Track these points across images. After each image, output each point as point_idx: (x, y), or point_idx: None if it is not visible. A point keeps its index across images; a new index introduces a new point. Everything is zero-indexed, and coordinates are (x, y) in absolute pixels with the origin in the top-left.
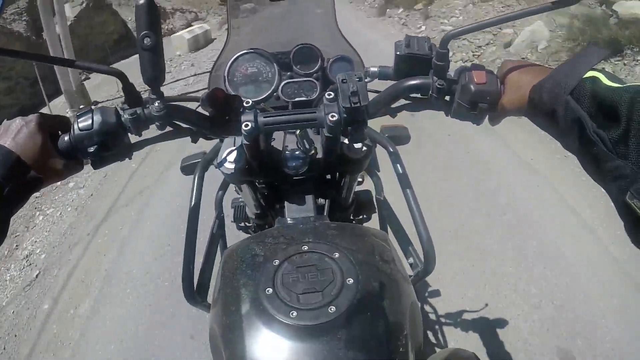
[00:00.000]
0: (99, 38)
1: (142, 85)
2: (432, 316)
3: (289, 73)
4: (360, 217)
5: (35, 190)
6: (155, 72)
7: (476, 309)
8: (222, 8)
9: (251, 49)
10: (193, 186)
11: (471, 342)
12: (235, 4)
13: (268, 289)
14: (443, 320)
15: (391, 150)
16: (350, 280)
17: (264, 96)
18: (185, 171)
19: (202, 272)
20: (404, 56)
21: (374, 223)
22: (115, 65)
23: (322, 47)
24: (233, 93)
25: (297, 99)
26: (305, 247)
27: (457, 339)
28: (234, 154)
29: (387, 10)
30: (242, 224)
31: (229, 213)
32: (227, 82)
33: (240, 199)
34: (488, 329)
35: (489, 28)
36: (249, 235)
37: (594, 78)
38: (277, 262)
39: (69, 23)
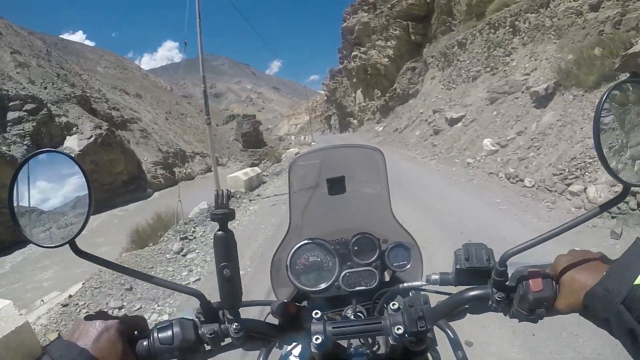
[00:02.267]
0: (105, 177)
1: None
2: None
3: (348, 263)
4: None
5: None
6: (233, 298)
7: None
8: (242, 154)
9: (311, 239)
10: None
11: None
12: (295, 194)
13: None
14: None
15: (451, 335)
16: None
17: (326, 286)
18: (247, 347)
19: None
20: (464, 269)
21: None
22: (119, 209)
23: (378, 232)
24: (300, 305)
25: (357, 289)
26: None
27: None
28: (299, 349)
29: None
30: None
31: None
32: (289, 271)
33: None
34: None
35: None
36: None
37: None
38: None
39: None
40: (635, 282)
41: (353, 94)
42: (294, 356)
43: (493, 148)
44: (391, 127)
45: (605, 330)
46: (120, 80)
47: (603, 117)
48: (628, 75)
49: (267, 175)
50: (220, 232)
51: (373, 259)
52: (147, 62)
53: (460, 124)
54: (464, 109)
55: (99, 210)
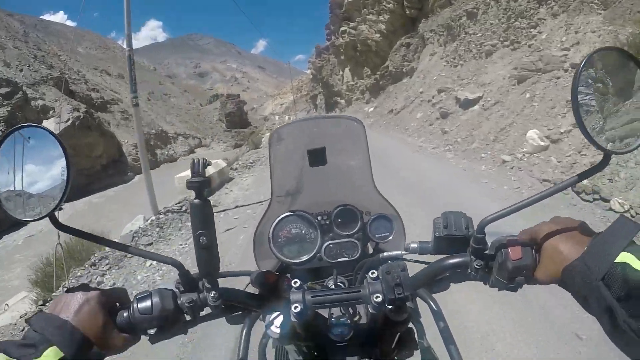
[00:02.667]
0: (83, 161)
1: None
2: None
3: (330, 234)
4: (404, 353)
5: None
6: (210, 267)
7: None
8: (226, 134)
9: (293, 211)
10: (240, 339)
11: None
12: (275, 165)
13: None
14: None
15: (433, 307)
16: None
17: (308, 257)
18: (231, 321)
19: None
20: (443, 237)
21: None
22: (99, 195)
23: (361, 204)
24: (279, 274)
25: (339, 260)
26: None
27: None
28: (280, 319)
29: None
30: None
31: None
32: (271, 243)
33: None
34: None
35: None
36: None
37: (625, 264)
38: None
39: None
40: (617, 260)
41: (341, 72)
42: (275, 326)
43: (542, 143)
44: (384, 108)
45: (583, 307)
46: (101, 61)
47: (583, 87)
48: None
49: (236, 168)
50: (196, 200)
51: (355, 230)
52: None
53: (477, 106)
54: (481, 89)
55: (76, 197)
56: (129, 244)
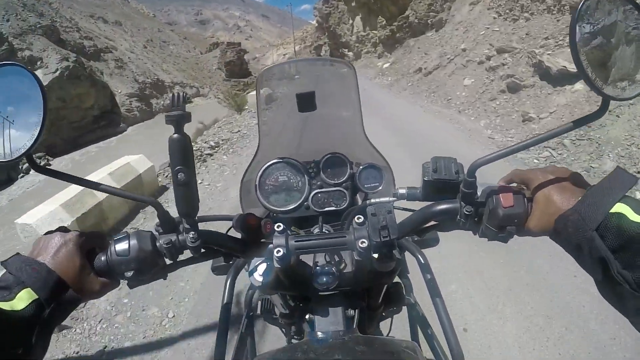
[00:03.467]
0: (73, 113)
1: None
2: None
3: (318, 182)
4: (392, 308)
5: (74, 309)
6: (189, 205)
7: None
8: (225, 84)
9: (281, 158)
10: (225, 289)
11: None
12: (264, 111)
13: None
14: None
15: (421, 260)
16: None
17: (295, 206)
18: (217, 271)
19: None
20: (432, 181)
21: (403, 316)
22: (92, 147)
23: (350, 153)
24: (262, 218)
25: (327, 209)
26: None
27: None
28: (263, 266)
29: None
30: (268, 316)
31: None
32: (258, 191)
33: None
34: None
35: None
36: (277, 326)
37: (620, 214)
38: None
39: None
40: (612, 210)
41: (350, 21)
42: (259, 274)
43: None
44: (405, 65)
45: (574, 258)
46: (98, 8)
47: (582, 27)
48: None
49: (197, 146)
50: (175, 135)
51: (344, 179)
52: None
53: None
54: None
55: (64, 151)
56: (101, 183)
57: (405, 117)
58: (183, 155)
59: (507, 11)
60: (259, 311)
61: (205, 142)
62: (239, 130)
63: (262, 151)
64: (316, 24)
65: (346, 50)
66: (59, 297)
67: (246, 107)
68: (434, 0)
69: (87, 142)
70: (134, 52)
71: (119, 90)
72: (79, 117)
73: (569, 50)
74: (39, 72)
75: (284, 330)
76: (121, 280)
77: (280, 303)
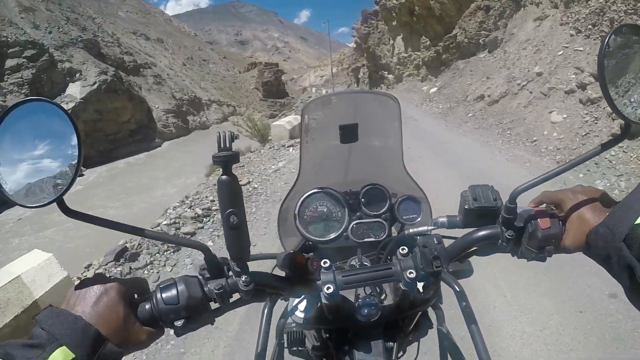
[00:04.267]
0: (109, 126)
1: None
2: None
3: (358, 213)
4: (419, 333)
5: None
6: (241, 249)
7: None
8: (262, 103)
9: (321, 188)
10: (262, 320)
11: None
12: (306, 141)
13: None
14: None
15: (456, 288)
16: None
17: (335, 236)
18: (255, 298)
19: None
20: (472, 209)
21: (431, 339)
22: (126, 161)
23: (389, 185)
24: (308, 256)
25: (366, 240)
26: None
27: None
28: (304, 303)
29: None
30: (296, 349)
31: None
32: (297, 220)
33: (293, 324)
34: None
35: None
36: (304, 359)
37: None
38: None
39: (74, 104)
40: (636, 222)
41: (391, 42)
42: (300, 311)
43: None
44: (456, 90)
45: (605, 269)
46: (141, 25)
47: (608, 59)
48: None
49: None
50: (224, 177)
51: (383, 210)
52: (172, 8)
53: None
54: None
55: (98, 163)
56: (147, 229)
57: (480, 166)
58: (233, 198)
59: (590, 27)
60: (285, 344)
61: (191, 209)
62: (248, 182)
63: (301, 180)
64: (354, 45)
65: (386, 72)
66: (99, 354)
67: (270, 139)
68: (487, 17)
69: (122, 155)
70: (172, 69)
71: (156, 106)
72: (114, 130)
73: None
74: (77, 84)
75: None
76: (166, 329)
77: (313, 336)
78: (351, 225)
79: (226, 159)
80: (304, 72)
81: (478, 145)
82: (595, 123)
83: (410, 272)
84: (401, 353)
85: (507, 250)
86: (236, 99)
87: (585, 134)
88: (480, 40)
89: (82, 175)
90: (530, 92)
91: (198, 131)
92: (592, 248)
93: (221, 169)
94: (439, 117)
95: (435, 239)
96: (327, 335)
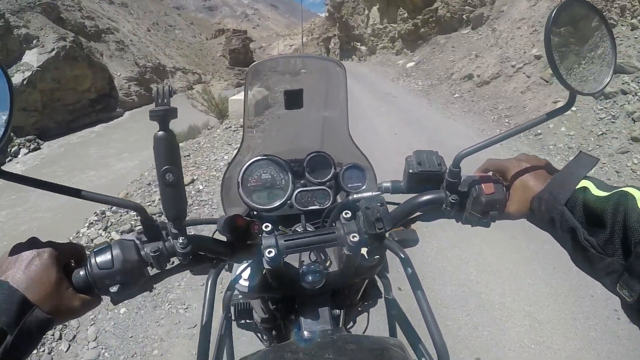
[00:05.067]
0: (68, 96)
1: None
2: None
3: (302, 181)
4: (366, 303)
5: (47, 331)
6: (177, 208)
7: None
8: (229, 72)
9: (265, 155)
10: (205, 292)
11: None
12: (250, 106)
13: None
14: None
15: (402, 256)
16: None
17: (278, 204)
18: (195, 272)
19: None
20: (416, 173)
21: (379, 310)
22: (86, 131)
23: (334, 153)
24: (249, 219)
25: (310, 208)
26: None
27: None
28: (248, 271)
29: None
30: (244, 321)
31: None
32: (240, 188)
33: (240, 296)
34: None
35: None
36: (252, 331)
37: (584, 188)
38: None
39: (30, 73)
40: (577, 187)
41: (366, 12)
42: (244, 280)
43: None
44: (437, 67)
45: (549, 233)
46: None
47: (555, 34)
48: None
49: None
50: (161, 133)
51: (327, 178)
52: None
53: None
54: None
55: (58, 135)
56: (81, 189)
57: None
58: (170, 154)
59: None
60: (233, 317)
61: (106, 230)
62: (192, 181)
63: (244, 148)
64: (326, 14)
65: (359, 44)
66: (24, 320)
67: (228, 115)
68: None
69: (82, 126)
70: (136, 35)
71: (118, 74)
72: (74, 100)
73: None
74: (33, 52)
75: (260, 335)
76: (103, 296)
77: (260, 307)
78: (295, 193)
79: (163, 114)
80: (273, 41)
81: (473, 133)
82: (613, 122)
83: (354, 236)
84: (351, 324)
85: (451, 216)
86: (202, 67)
87: (602, 134)
88: (464, 16)
89: (40, 148)
90: (528, 77)
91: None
92: (536, 213)
93: (158, 124)
94: (420, 95)
95: (378, 201)
96: (275, 306)
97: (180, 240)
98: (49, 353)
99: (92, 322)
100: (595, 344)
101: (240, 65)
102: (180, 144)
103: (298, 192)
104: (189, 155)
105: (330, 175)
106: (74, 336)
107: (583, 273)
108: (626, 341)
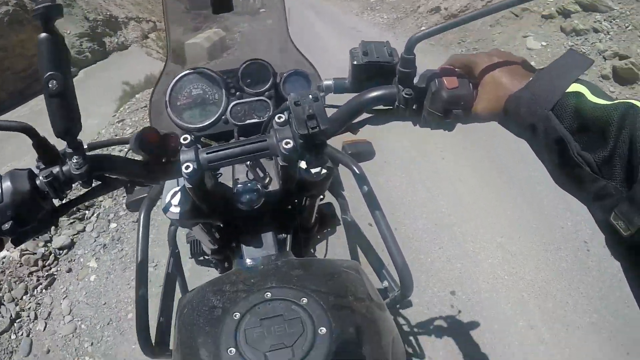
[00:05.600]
0: (18, 62)
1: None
2: None
3: (237, 93)
4: (326, 230)
5: None
6: (67, 121)
7: None
8: (186, 17)
9: (194, 68)
10: (139, 226)
11: None
12: (175, 16)
13: (230, 349)
14: None
15: (356, 170)
16: (323, 330)
17: (211, 120)
18: (132, 207)
19: (160, 320)
20: (363, 65)
21: (339, 236)
22: (40, 99)
23: (274, 62)
24: (165, 132)
25: (248, 121)
26: (269, 294)
27: None
28: (178, 196)
29: None
30: (202, 258)
31: (184, 248)
32: (169, 108)
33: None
34: None
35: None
36: (212, 267)
37: (578, 93)
38: (237, 315)
39: None
40: (569, 90)
41: None
42: (175, 206)
43: None
44: None
45: (527, 141)
46: None
47: None
48: None
49: None
50: (44, 34)
51: (266, 87)
52: None
53: None
54: None
55: (10, 106)
56: None
57: None
58: (55, 58)
59: None
60: (189, 254)
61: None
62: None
63: (171, 63)
64: None
65: None
66: None
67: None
68: None
69: (36, 93)
70: None
71: (68, 31)
72: (24, 66)
73: None
74: None
75: (218, 269)
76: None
77: (207, 239)
78: (230, 107)
79: (44, 11)
80: None
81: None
82: None
83: (287, 142)
84: (312, 251)
85: (406, 117)
86: (156, 14)
87: None
88: None
89: None
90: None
91: (117, 53)
92: (512, 115)
93: (41, 24)
94: (385, 29)
95: (310, 95)
96: (219, 234)
97: (75, 160)
98: (28, 335)
99: (65, 295)
100: (566, 274)
101: (199, 8)
102: (138, 95)
103: (233, 106)
104: (146, 106)
105: (269, 85)
106: (49, 313)
107: (554, 204)
108: (596, 272)
